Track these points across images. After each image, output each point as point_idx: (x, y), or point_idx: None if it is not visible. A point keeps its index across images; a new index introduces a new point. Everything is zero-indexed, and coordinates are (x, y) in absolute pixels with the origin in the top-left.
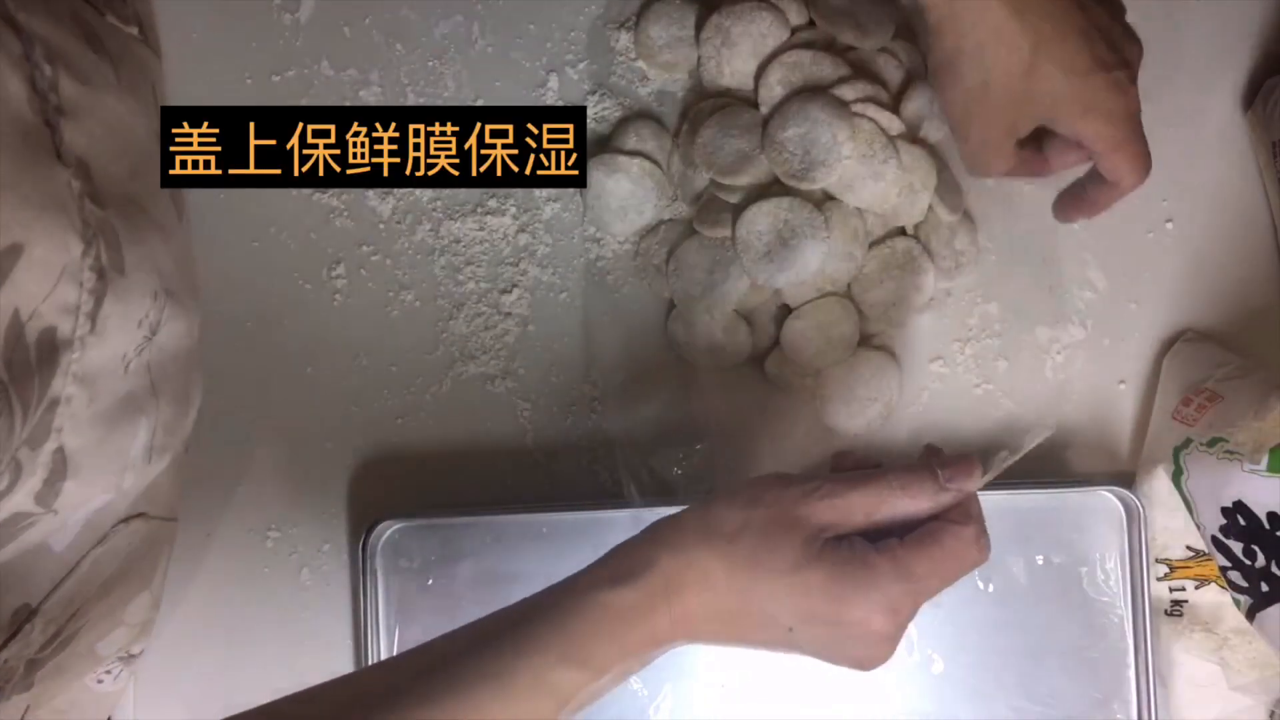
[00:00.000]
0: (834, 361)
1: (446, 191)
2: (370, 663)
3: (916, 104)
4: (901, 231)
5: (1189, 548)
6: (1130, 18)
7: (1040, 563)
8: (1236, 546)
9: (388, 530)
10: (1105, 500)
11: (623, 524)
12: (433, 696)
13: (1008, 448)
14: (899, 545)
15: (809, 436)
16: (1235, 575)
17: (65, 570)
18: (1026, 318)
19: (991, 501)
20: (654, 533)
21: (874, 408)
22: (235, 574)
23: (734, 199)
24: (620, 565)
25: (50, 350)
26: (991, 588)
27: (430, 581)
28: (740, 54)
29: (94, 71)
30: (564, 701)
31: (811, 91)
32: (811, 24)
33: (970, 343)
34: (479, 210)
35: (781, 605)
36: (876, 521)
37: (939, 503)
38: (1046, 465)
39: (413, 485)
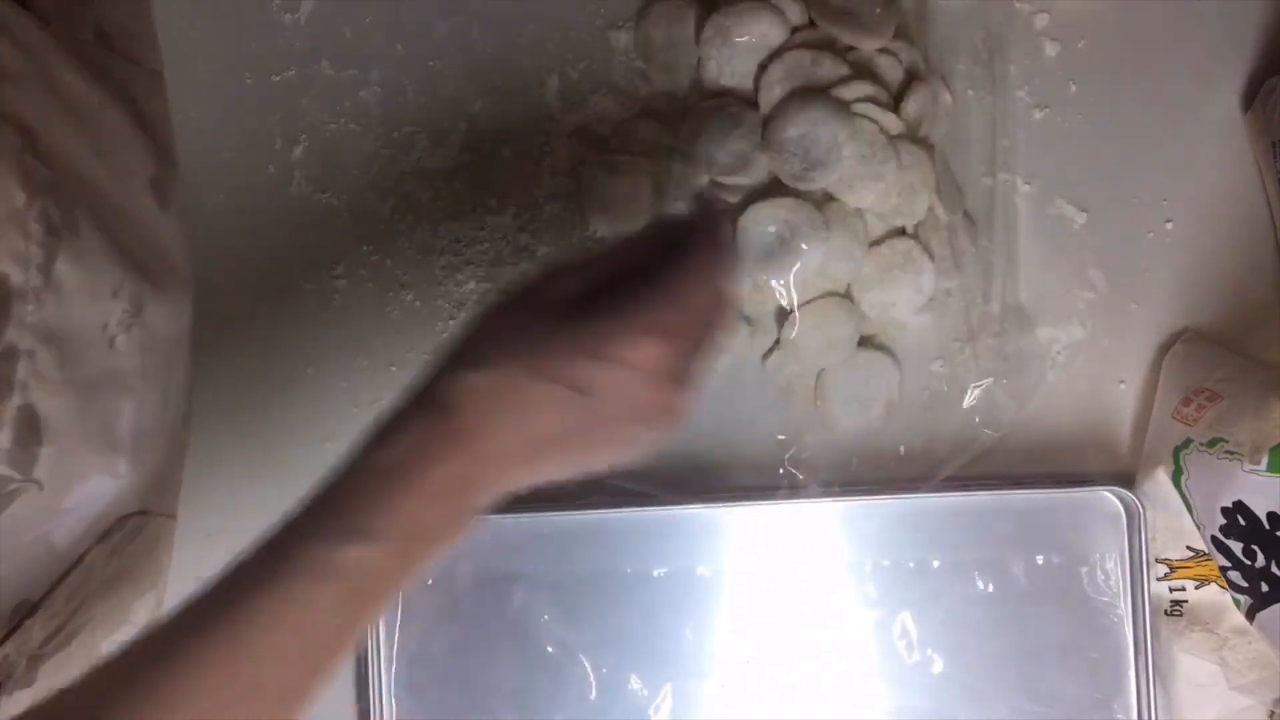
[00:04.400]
0: (834, 361)
1: (446, 191)
2: (371, 668)
3: (916, 104)
4: (901, 231)
5: (1189, 548)
6: (1132, 16)
7: (1040, 563)
8: (1236, 546)
9: None
10: (1105, 500)
11: (623, 524)
12: (204, 627)
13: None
14: (654, 270)
15: (809, 436)
16: (1235, 575)
17: (66, 566)
18: (1026, 318)
19: (991, 502)
20: (411, 392)
21: (874, 408)
22: None
23: (734, 199)
24: (382, 428)
25: (3, 297)
26: (991, 588)
27: (430, 581)
28: (740, 54)
29: (41, 46)
30: (360, 585)
31: (811, 91)
32: (811, 24)
33: (970, 343)
34: (479, 210)
35: (561, 363)
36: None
37: None
38: (1047, 465)
39: None
